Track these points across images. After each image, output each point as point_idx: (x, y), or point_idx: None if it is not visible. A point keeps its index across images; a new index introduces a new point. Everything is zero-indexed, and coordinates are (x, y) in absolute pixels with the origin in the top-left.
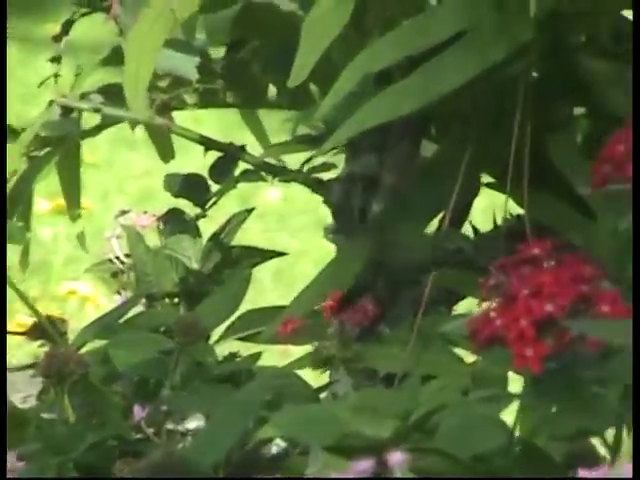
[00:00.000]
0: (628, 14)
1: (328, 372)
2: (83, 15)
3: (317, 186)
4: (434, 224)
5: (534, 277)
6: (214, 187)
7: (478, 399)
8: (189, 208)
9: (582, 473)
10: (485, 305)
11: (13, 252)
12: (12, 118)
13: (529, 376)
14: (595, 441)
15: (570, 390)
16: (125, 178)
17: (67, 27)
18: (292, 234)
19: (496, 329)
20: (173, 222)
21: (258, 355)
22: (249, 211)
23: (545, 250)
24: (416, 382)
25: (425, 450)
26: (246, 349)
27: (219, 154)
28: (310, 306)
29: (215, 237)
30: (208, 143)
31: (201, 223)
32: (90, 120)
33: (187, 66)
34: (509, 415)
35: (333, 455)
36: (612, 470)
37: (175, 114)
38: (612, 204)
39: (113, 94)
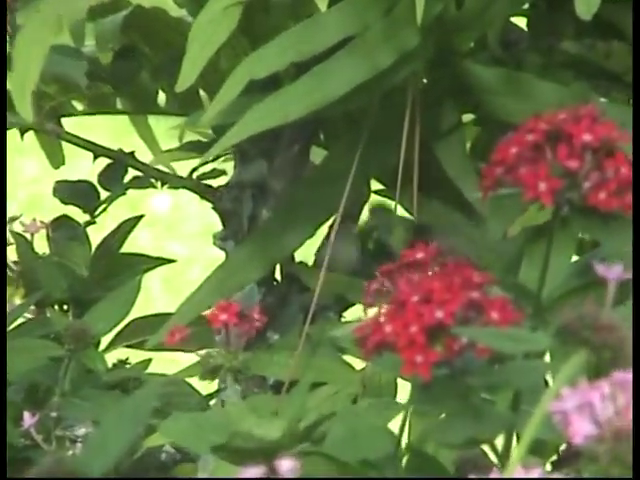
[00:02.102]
0: (516, 20)
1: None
2: None
3: (206, 193)
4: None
5: (424, 283)
6: (103, 194)
7: (367, 407)
8: (78, 215)
9: None
10: (370, 311)
11: None
12: None
13: (418, 383)
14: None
15: (459, 397)
16: (14, 185)
17: None
18: (181, 241)
19: (386, 335)
20: (62, 229)
21: (147, 362)
22: (138, 218)
23: (429, 254)
24: (304, 389)
25: (313, 454)
26: (135, 356)
27: (108, 161)
28: (196, 313)
29: (104, 244)
30: (97, 150)
31: (90, 230)
32: None
33: (76, 72)
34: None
35: (222, 458)
36: (502, 475)
37: (64, 120)
38: (501, 210)
39: None
